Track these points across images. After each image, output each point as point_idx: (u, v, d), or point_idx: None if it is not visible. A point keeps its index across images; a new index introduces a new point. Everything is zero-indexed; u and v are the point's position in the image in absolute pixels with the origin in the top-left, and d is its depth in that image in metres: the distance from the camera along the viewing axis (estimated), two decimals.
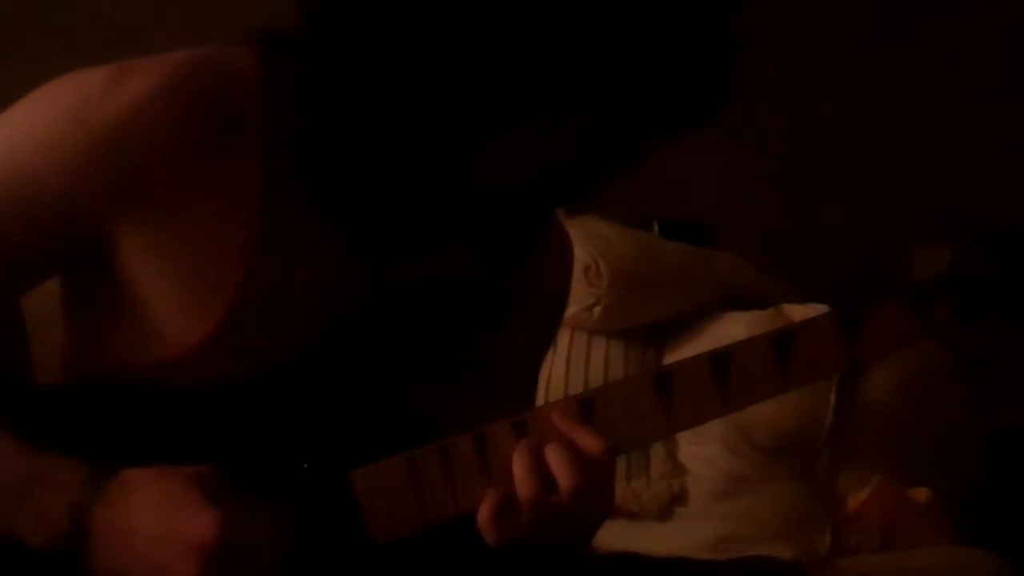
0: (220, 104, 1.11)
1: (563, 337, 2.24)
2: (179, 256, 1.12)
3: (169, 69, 1.11)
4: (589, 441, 1.11)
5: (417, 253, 1.16)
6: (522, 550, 1.16)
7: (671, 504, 2.23)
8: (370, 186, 1.11)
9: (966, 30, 2.84)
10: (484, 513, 1.11)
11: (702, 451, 2.26)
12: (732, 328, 2.23)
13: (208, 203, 1.12)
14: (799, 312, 2.14)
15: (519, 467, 1.10)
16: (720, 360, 1.13)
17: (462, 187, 1.10)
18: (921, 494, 2.26)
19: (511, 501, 1.10)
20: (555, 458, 1.10)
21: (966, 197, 2.42)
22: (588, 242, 2.22)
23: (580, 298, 2.21)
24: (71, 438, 1.08)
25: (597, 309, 2.24)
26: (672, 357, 2.25)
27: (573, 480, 1.10)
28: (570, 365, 2.24)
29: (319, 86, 1.08)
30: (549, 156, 1.09)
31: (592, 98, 1.06)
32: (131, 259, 1.12)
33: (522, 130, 1.07)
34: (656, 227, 2.56)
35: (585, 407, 1.13)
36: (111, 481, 1.05)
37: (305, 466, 1.13)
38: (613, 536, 2.16)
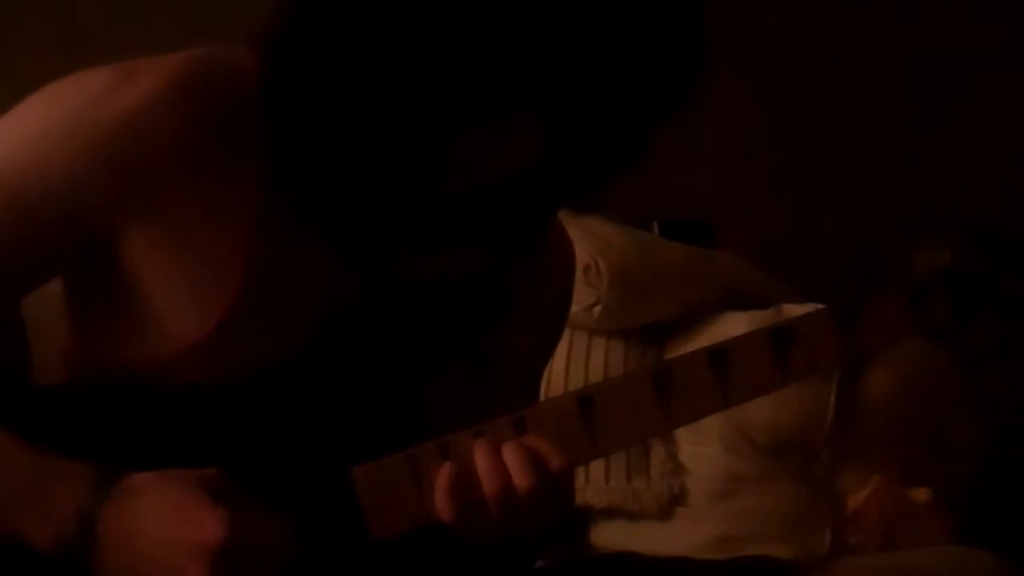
0: (223, 105, 1.12)
1: (563, 337, 2.23)
2: (181, 255, 1.12)
3: (172, 70, 1.11)
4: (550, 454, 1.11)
5: (407, 254, 1.16)
6: (521, 549, 1.16)
7: (671, 504, 2.23)
8: (354, 187, 1.11)
9: (966, 30, 2.85)
10: (440, 487, 1.10)
11: (702, 451, 2.26)
12: (732, 328, 2.22)
13: (211, 203, 1.12)
14: (799, 312, 2.14)
15: (481, 464, 1.10)
16: (718, 355, 1.13)
17: (433, 188, 1.10)
18: (921, 494, 2.26)
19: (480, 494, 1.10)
20: (511, 459, 1.10)
21: (966, 197, 2.42)
22: (588, 242, 2.21)
23: (580, 298, 2.20)
24: (72, 439, 1.08)
25: (597, 309, 2.24)
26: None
27: (528, 480, 1.09)
28: (570, 365, 2.24)
29: (296, 84, 1.09)
30: (511, 156, 1.09)
31: (540, 97, 1.05)
32: (133, 258, 1.12)
33: (475, 129, 1.07)
34: (656, 227, 2.55)
35: (584, 403, 1.13)
36: (119, 484, 1.05)
37: (307, 464, 1.13)
38: (613, 536, 2.18)
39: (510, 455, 1.10)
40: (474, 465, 1.10)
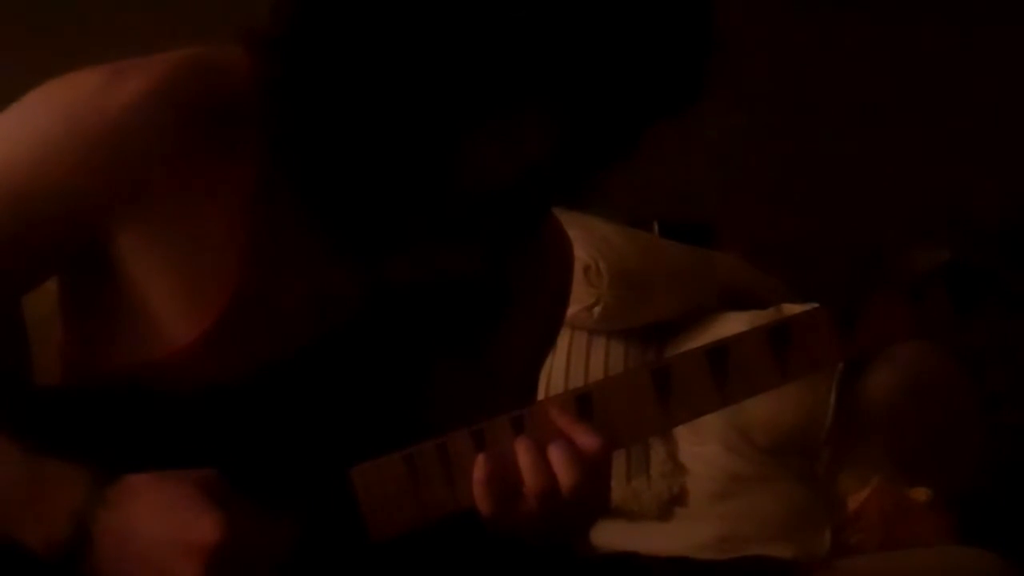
0: (216, 104, 1.11)
1: (563, 337, 2.24)
2: (176, 255, 1.12)
3: (165, 69, 1.11)
4: (587, 439, 1.11)
5: (407, 254, 1.16)
6: (521, 547, 1.16)
7: (671, 504, 2.23)
8: (354, 187, 1.11)
9: (967, 30, 2.85)
10: (479, 477, 1.10)
11: (702, 451, 2.26)
12: (732, 328, 2.20)
13: (204, 202, 1.12)
14: (798, 311, 2.14)
15: (525, 461, 1.10)
16: (717, 353, 1.13)
17: (443, 189, 1.10)
18: (921, 494, 2.26)
19: (515, 485, 1.10)
20: (556, 456, 1.10)
21: (966, 197, 2.43)
22: (588, 242, 2.22)
23: (580, 298, 2.21)
24: (70, 439, 1.08)
25: (597, 309, 2.24)
26: None
27: (573, 478, 1.10)
28: (570, 365, 2.24)
29: (299, 84, 1.08)
30: (523, 154, 1.09)
31: (553, 96, 1.05)
32: (128, 258, 1.12)
33: (489, 129, 1.07)
34: (656, 227, 2.56)
35: (582, 402, 1.12)
36: (114, 486, 1.04)
37: (304, 464, 1.13)
38: (613, 536, 2.18)
39: (552, 452, 1.10)
40: (474, 462, 1.10)
